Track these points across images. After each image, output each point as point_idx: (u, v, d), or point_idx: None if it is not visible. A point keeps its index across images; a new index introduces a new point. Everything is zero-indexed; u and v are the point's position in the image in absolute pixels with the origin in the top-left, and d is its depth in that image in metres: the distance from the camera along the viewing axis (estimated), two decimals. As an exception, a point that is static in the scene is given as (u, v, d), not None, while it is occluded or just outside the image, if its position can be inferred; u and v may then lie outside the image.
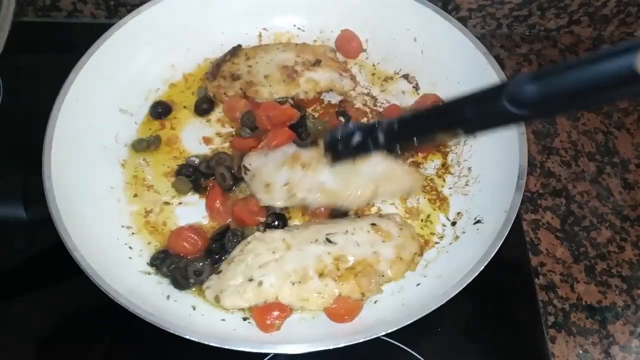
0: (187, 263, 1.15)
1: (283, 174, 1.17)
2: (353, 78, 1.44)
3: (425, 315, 1.00)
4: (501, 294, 1.25)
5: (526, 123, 1.19)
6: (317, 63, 1.41)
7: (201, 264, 1.14)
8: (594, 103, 0.75)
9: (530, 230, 1.37)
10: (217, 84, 1.39)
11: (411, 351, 1.14)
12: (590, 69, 0.65)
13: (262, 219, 1.21)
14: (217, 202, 1.23)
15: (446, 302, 1.02)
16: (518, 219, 1.32)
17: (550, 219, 1.39)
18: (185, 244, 1.17)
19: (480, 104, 0.83)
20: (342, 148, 1.07)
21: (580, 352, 1.22)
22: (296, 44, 1.46)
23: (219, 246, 1.17)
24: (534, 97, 0.69)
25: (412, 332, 1.01)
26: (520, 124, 1.17)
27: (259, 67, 1.39)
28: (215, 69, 1.40)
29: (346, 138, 1.05)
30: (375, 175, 1.16)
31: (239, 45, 1.45)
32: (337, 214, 1.23)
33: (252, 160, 1.22)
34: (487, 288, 1.15)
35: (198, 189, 1.27)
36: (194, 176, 1.28)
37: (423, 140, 1.03)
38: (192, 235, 1.18)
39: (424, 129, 0.98)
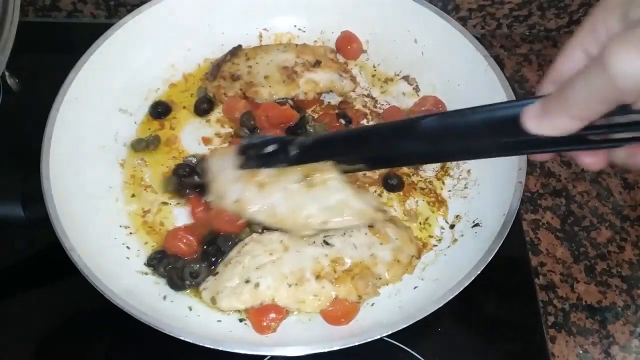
0: (184, 264, 1.15)
1: (236, 190, 1.13)
2: (353, 79, 1.44)
3: (426, 316, 1.00)
4: (501, 294, 1.24)
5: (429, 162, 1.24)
6: (317, 64, 1.40)
7: (197, 266, 1.14)
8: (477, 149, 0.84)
9: (530, 230, 1.37)
10: (217, 84, 1.39)
11: (411, 351, 1.14)
12: (482, 114, 0.75)
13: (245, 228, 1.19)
14: (200, 209, 1.22)
15: (446, 303, 1.01)
16: (518, 219, 1.31)
17: (550, 219, 1.39)
18: (181, 245, 1.17)
19: (391, 136, 0.88)
20: (253, 155, 1.07)
21: (580, 352, 1.22)
22: (296, 45, 1.46)
23: (215, 249, 1.17)
24: (434, 132, 0.80)
25: (412, 332, 1.01)
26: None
27: (259, 68, 1.39)
28: (215, 69, 1.40)
29: (260, 145, 1.05)
30: (329, 206, 1.10)
31: (239, 46, 1.45)
32: None
33: (214, 163, 1.18)
34: (487, 288, 1.14)
35: (181, 195, 1.26)
36: (188, 176, 1.26)
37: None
38: (188, 236, 1.18)
39: (335, 152, 1.00)
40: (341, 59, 1.48)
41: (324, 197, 1.10)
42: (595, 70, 0.56)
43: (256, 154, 1.06)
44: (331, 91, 1.41)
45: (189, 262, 1.15)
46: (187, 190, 1.25)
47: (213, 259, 1.16)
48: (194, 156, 1.31)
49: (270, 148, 1.03)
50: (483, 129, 0.76)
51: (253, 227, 1.19)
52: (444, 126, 0.81)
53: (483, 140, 0.77)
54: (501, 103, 0.72)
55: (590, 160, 0.71)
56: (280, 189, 1.11)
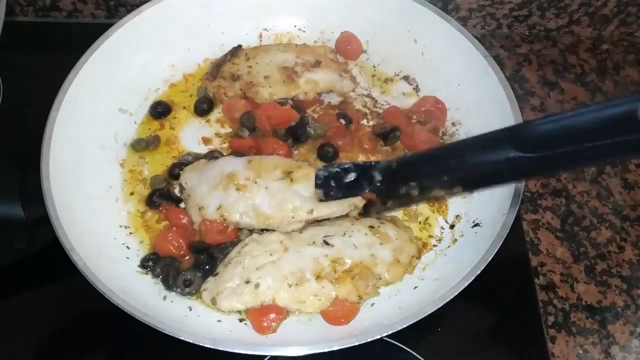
0: (179, 270, 1.14)
1: (216, 196, 1.15)
2: (353, 79, 1.44)
3: (426, 316, 1.00)
4: (501, 294, 1.24)
5: (528, 177, 1.13)
6: (317, 64, 1.40)
7: (190, 275, 1.13)
8: (599, 154, 0.72)
9: (530, 230, 1.37)
10: (217, 84, 1.39)
11: (411, 351, 1.14)
12: (595, 114, 0.66)
13: (234, 239, 1.18)
14: (182, 217, 1.21)
15: (446, 302, 1.01)
16: (518, 219, 1.31)
17: (550, 219, 1.39)
18: (171, 247, 1.17)
19: (484, 148, 0.80)
20: (334, 185, 1.04)
21: (580, 352, 1.22)
22: (296, 45, 1.46)
23: (206, 258, 1.16)
24: (545, 137, 0.69)
25: (412, 333, 1.01)
26: (521, 180, 1.10)
27: (259, 68, 1.39)
28: (216, 69, 1.40)
29: (340, 176, 1.02)
30: (311, 198, 1.12)
31: (239, 46, 1.45)
32: None
33: (187, 179, 1.20)
34: (487, 288, 1.14)
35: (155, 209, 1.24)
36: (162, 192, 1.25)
37: (422, 188, 0.98)
38: (178, 239, 1.17)
39: (423, 171, 0.95)
40: (341, 59, 1.48)
41: (307, 188, 1.12)
42: None
43: (337, 184, 1.03)
44: (331, 91, 1.41)
45: (184, 269, 1.15)
46: (161, 203, 1.24)
47: (207, 267, 1.15)
48: (189, 154, 1.31)
49: (350, 177, 1.00)
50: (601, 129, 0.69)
51: (243, 231, 1.19)
52: (553, 129, 0.71)
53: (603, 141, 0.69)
54: (611, 101, 0.66)
55: None
56: (261, 188, 1.12)
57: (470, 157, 0.84)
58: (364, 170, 0.99)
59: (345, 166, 1.03)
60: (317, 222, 1.20)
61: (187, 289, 1.12)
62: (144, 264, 1.16)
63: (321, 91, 1.40)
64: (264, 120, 1.31)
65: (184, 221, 1.20)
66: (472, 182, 0.94)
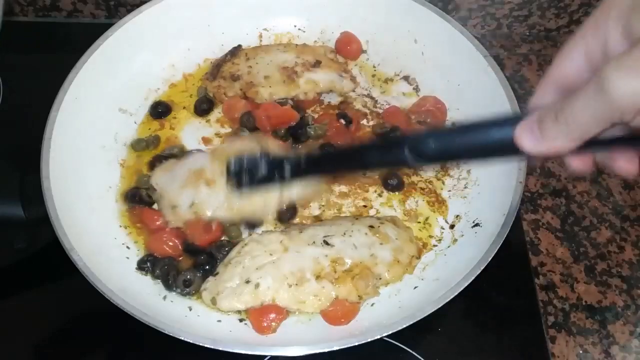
0: (178, 265, 1.15)
1: (188, 194, 1.13)
2: (353, 79, 1.44)
3: (426, 316, 1.00)
4: (501, 294, 1.24)
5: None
6: (317, 64, 1.40)
7: (190, 275, 1.13)
8: (480, 160, 0.91)
9: (530, 230, 1.37)
10: (217, 84, 1.39)
11: (411, 351, 1.14)
12: (478, 134, 0.74)
13: (221, 238, 1.17)
14: (157, 220, 1.19)
15: (446, 303, 1.01)
16: (518, 219, 1.32)
17: (550, 219, 1.39)
18: (166, 247, 1.16)
19: (384, 151, 0.89)
20: (246, 178, 1.04)
21: (580, 352, 1.22)
22: (296, 45, 1.46)
23: (206, 258, 1.16)
24: (432, 151, 0.78)
25: (412, 332, 1.01)
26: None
27: (259, 68, 1.39)
28: (215, 70, 1.40)
29: (252, 169, 1.03)
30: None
31: (239, 46, 1.45)
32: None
33: (158, 179, 1.19)
34: (487, 288, 1.15)
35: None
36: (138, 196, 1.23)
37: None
38: (172, 238, 1.16)
39: (330, 168, 1.01)
40: (341, 59, 1.48)
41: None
42: (595, 93, 0.57)
43: (250, 178, 1.04)
44: (331, 91, 1.41)
45: (184, 269, 1.14)
46: (137, 206, 1.22)
47: (207, 267, 1.15)
48: (174, 147, 1.31)
49: (262, 171, 1.01)
50: (477, 150, 0.76)
51: (229, 229, 1.18)
52: (438, 149, 0.79)
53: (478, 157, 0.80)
54: (494, 120, 0.72)
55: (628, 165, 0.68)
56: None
57: (370, 156, 0.92)
58: (274, 165, 1.01)
59: (256, 161, 1.03)
60: (317, 221, 1.21)
61: (187, 289, 1.12)
62: (141, 266, 1.16)
63: (321, 91, 1.40)
64: (264, 120, 1.31)
65: (158, 223, 1.18)
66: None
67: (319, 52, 1.45)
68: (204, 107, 1.38)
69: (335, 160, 1.01)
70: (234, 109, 1.35)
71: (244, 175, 1.04)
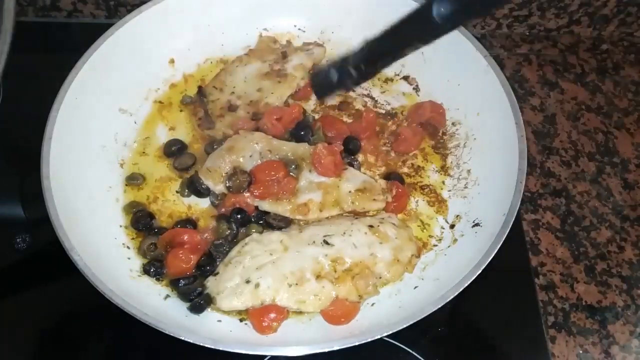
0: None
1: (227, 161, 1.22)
2: (319, 44, 1.47)
3: (426, 316, 1.00)
4: (501, 294, 1.24)
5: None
6: (284, 55, 1.42)
7: (195, 281, 1.13)
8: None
9: (530, 230, 1.37)
10: (224, 123, 1.33)
11: (411, 351, 1.14)
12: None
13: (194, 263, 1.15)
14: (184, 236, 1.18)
15: (446, 303, 1.01)
16: (518, 219, 1.32)
17: (550, 219, 1.39)
18: (182, 264, 1.14)
19: (418, 21, 1.08)
20: (325, 86, 1.21)
21: (580, 352, 1.22)
22: (246, 54, 1.45)
23: (207, 259, 1.16)
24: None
25: (412, 332, 1.01)
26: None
27: (244, 87, 1.38)
28: (206, 115, 1.35)
29: (325, 79, 1.18)
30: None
31: (200, 87, 1.40)
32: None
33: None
34: (487, 288, 1.15)
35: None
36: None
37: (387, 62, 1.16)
38: (189, 255, 1.15)
39: (388, 49, 1.12)
40: (298, 39, 1.51)
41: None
42: None
43: (328, 87, 1.20)
44: (314, 64, 1.42)
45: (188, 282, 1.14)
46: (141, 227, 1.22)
47: (208, 268, 1.15)
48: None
49: (334, 77, 1.15)
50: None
51: (222, 227, 1.18)
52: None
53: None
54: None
55: None
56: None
57: (405, 29, 1.10)
58: (340, 69, 1.14)
59: (326, 71, 1.17)
60: (317, 221, 1.21)
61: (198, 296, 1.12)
62: (145, 270, 1.15)
63: (310, 68, 1.41)
64: (275, 124, 1.30)
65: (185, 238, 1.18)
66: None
67: (267, 47, 1.46)
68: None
69: (382, 45, 1.10)
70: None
71: (324, 85, 1.21)
